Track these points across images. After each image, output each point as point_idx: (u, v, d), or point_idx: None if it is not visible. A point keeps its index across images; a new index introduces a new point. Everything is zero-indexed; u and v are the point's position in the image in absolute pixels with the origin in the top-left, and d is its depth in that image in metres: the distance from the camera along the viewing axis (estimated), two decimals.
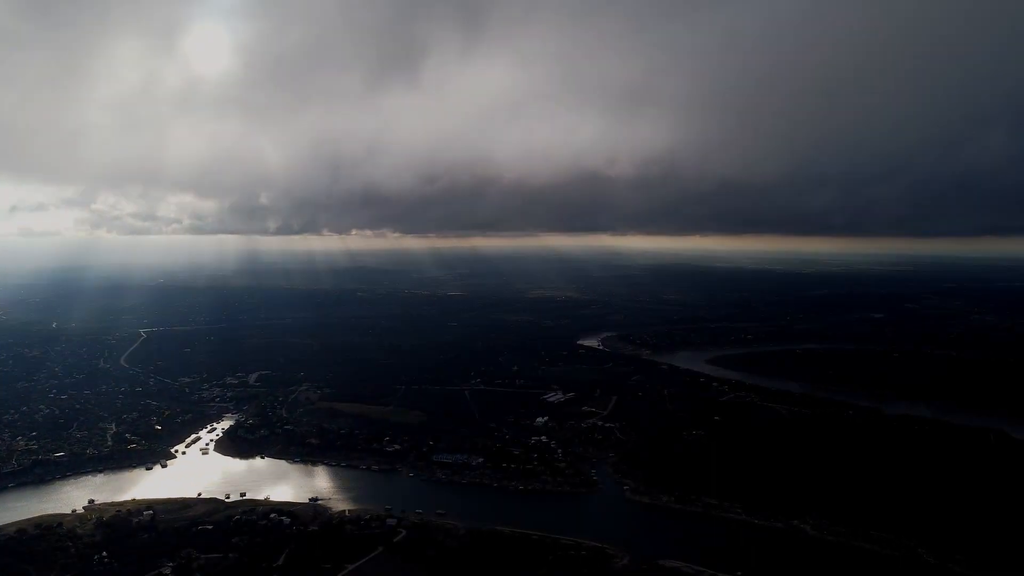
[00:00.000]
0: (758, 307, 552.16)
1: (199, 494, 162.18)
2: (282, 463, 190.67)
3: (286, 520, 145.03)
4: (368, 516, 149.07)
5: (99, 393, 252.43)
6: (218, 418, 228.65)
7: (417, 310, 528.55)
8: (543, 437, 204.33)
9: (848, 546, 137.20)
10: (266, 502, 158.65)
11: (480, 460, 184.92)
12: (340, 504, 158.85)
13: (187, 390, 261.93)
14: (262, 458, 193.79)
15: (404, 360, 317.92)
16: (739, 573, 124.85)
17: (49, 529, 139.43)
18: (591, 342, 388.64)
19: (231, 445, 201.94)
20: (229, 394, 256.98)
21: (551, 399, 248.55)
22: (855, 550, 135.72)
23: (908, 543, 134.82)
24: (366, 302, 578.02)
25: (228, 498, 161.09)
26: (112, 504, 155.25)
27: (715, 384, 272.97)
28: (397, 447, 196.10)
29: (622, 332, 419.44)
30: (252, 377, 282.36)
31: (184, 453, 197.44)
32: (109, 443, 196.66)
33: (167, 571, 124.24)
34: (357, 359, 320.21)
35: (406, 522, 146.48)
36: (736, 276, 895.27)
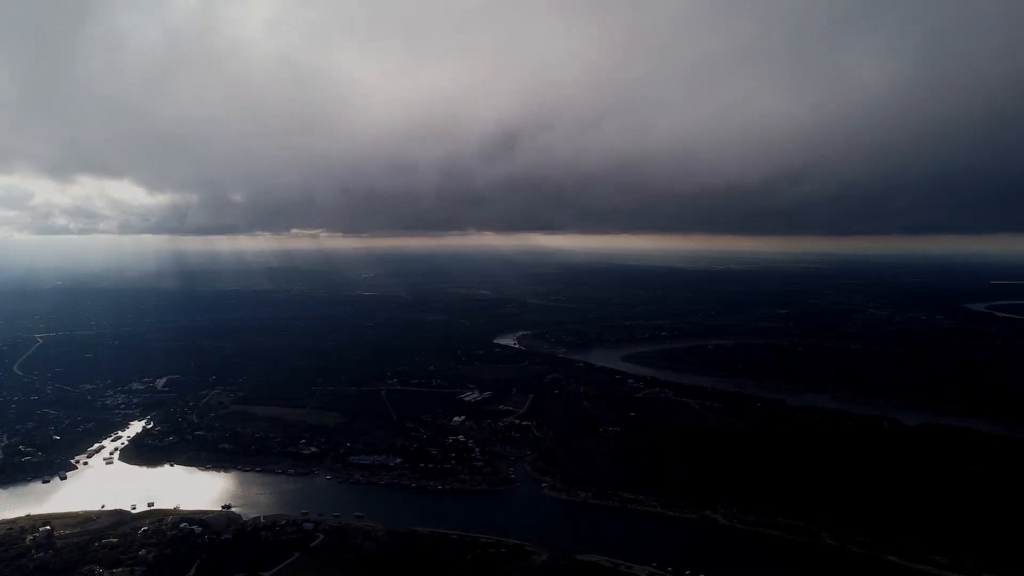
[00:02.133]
0: (672, 305, 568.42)
1: (103, 506, 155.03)
2: (193, 470, 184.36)
3: (197, 529, 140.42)
4: (284, 521, 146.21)
5: None
6: (123, 426, 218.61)
7: (334, 311, 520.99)
8: (461, 436, 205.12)
9: (756, 533, 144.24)
10: (176, 511, 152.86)
11: (398, 460, 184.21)
12: (255, 510, 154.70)
13: (89, 397, 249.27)
14: (171, 466, 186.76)
15: (320, 361, 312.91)
16: (654, 563, 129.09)
17: None
18: (508, 341, 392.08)
19: (137, 453, 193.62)
20: (135, 400, 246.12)
21: (468, 398, 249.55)
22: (763, 537, 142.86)
23: (812, 528, 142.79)
24: (283, 303, 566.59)
25: (134, 509, 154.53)
26: (2, 522, 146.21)
27: (630, 381, 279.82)
28: (314, 450, 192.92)
29: (538, 331, 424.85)
30: (160, 382, 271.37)
31: (86, 464, 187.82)
32: (0, 456, 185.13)
33: None
34: (272, 361, 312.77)
35: (323, 526, 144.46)
36: (652, 274, 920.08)
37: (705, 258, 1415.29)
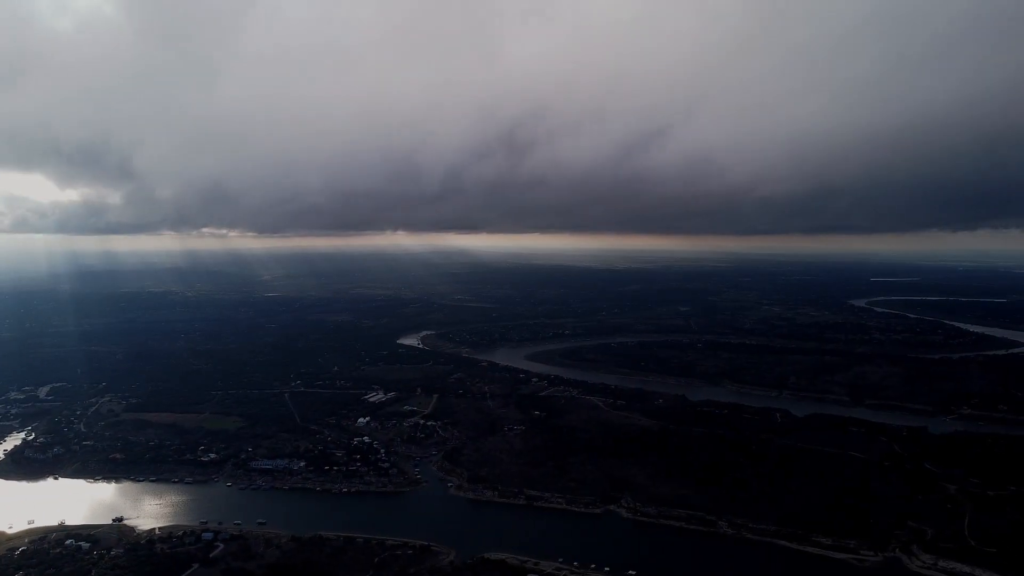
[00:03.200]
0: (575, 303, 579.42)
1: None
2: (80, 483, 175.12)
3: (85, 545, 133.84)
4: (181, 532, 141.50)
5: None
6: (0, 438, 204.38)
7: (234, 312, 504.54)
8: (366, 438, 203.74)
9: (658, 524, 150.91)
10: (60, 528, 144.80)
11: (302, 464, 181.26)
12: (150, 522, 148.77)
13: None
14: (55, 479, 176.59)
15: (220, 365, 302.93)
16: (560, 559, 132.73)
17: None
18: (412, 341, 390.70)
19: (16, 467, 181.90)
20: (14, 411, 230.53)
21: (373, 399, 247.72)
22: (664, 527, 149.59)
23: (710, 518, 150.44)
24: (180, 305, 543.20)
25: (10, 529, 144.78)
26: None
27: (534, 379, 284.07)
28: (213, 456, 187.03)
29: (442, 330, 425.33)
30: (43, 391, 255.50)
31: None
32: None
33: None
34: (168, 365, 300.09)
35: (224, 535, 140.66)
36: (555, 273, 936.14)
37: (611, 257, 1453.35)
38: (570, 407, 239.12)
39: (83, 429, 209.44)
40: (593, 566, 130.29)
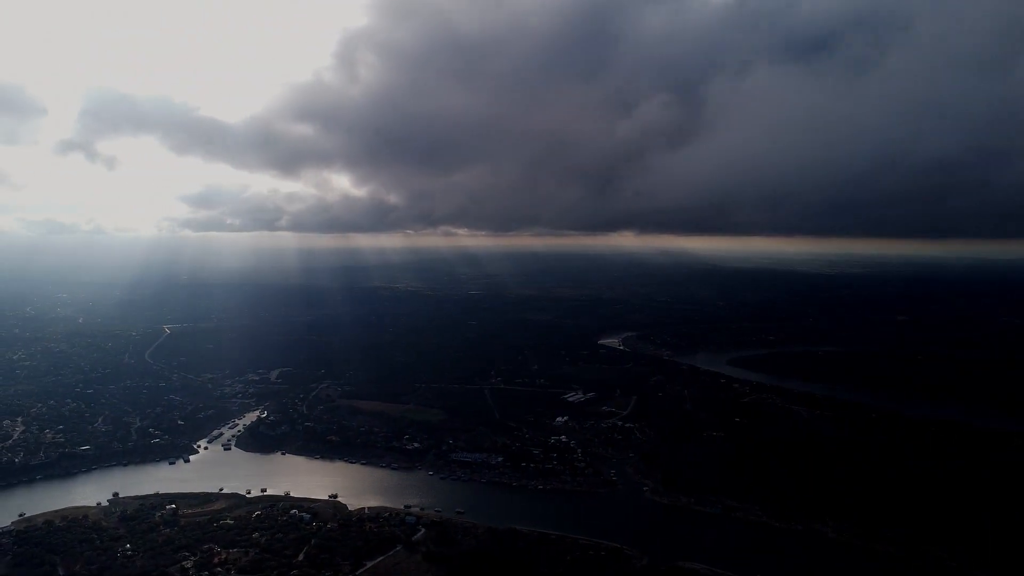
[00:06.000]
0: (780, 308, 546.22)
1: (220, 489, 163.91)
2: (302, 459, 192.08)
3: (306, 516, 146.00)
4: (387, 514, 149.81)
5: (124, 388, 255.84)
6: (240, 414, 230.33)
7: (439, 308, 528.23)
8: (563, 437, 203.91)
9: (866, 548, 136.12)
10: (286, 498, 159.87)
11: (499, 459, 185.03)
12: (360, 501, 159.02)
13: (209, 386, 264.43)
14: (283, 454, 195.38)
15: (424, 358, 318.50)
16: (758, 575, 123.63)
17: (75, 521, 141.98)
18: (612, 341, 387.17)
19: (252, 441, 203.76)
20: (251, 390, 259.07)
21: (571, 399, 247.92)
22: (872, 552, 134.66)
23: (923, 546, 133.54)
24: (388, 299, 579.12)
25: (249, 494, 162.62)
26: (135, 498, 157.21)
27: (736, 385, 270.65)
28: (416, 445, 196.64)
29: (642, 332, 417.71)
30: (274, 374, 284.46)
31: (206, 448, 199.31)
32: (133, 437, 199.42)
33: (188, 565, 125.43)
34: (377, 357, 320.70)
35: (425, 520, 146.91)
36: (757, 277, 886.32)
37: (819, 261, 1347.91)
38: (773, 416, 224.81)
39: (305, 411, 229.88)
40: None
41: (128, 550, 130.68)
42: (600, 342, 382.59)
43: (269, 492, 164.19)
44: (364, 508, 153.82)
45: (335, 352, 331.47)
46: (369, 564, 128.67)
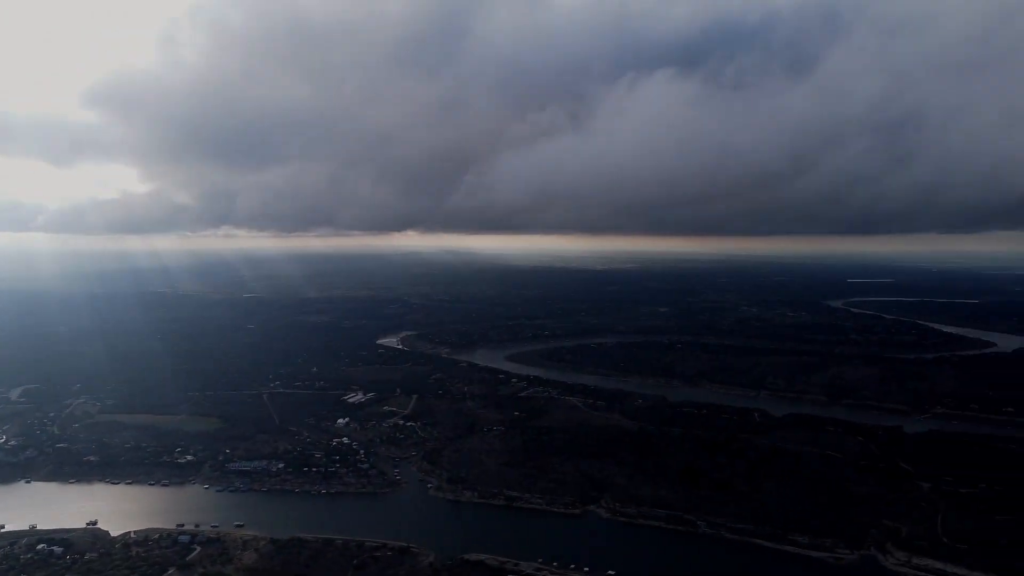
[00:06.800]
0: (555, 304, 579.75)
1: None
2: (54, 485, 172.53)
3: (58, 550, 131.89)
4: (157, 536, 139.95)
5: None
6: None
7: (212, 312, 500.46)
8: (345, 439, 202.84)
9: (638, 525, 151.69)
10: (31, 532, 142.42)
11: (280, 465, 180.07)
12: (125, 525, 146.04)
13: None
14: (27, 482, 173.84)
15: (198, 365, 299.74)
16: (540, 559, 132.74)
17: None
18: (391, 341, 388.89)
19: None
20: None
21: (352, 400, 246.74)
22: (644, 528, 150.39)
23: (688, 517, 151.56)
24: (159, 305, 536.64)
25: None
26: None
27: (514, 380, 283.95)
28: (190, 458, 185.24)
29: (421, 331, 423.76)
30: (15, 392, 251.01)
31: None
32: None
33: None
34: (145, 366, 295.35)
35: (201, 538, 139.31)
36: (534, 275, 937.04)
37: (591, 257, 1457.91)
38: (549, 408, 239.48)
39: (56, 431, 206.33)
40: (573, 566, 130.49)
41: None
42: (379, 342, 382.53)
43: (8, 528, 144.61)
44: (130, 532, 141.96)
45: (94, 364, 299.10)
46: None
